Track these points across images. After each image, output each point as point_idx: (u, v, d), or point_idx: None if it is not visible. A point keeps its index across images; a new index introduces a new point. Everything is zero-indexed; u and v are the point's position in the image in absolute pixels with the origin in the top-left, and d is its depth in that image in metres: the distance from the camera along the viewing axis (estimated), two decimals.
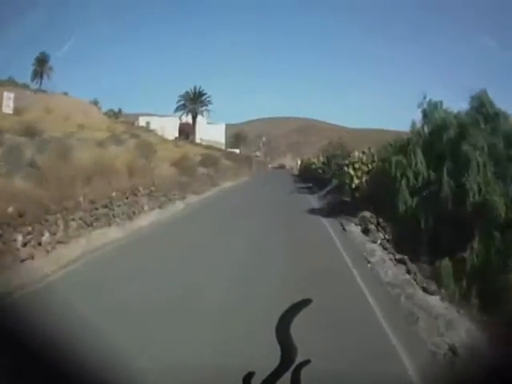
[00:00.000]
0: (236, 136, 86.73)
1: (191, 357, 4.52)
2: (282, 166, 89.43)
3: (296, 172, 62.78)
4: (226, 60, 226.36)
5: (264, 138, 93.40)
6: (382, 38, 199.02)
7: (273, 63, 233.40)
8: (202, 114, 53.75)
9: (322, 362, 1.96)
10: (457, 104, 21.26)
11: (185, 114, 52.66)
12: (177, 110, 52.76)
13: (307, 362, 1.29)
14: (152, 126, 44.80)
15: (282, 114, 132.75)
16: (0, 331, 1.54)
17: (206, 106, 53.67)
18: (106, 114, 45.50)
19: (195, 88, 53.67)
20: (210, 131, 54.93)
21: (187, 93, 53.24)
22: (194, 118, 52.66)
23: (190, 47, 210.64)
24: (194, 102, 52.96)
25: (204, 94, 53.80)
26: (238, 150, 62.51)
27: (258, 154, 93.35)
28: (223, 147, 54.55)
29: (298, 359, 1.25)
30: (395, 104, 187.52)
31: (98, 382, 1.37)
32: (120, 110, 54.96)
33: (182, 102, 52.90)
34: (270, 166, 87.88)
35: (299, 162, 74.43)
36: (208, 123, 57.50)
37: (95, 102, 46.01)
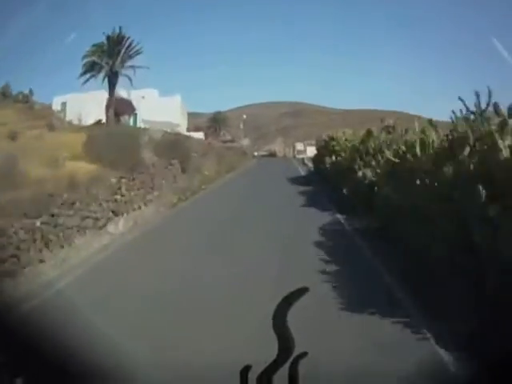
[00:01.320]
0: (213, 119, 77.57)
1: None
2: (272, 154, 74.12)
3: (302, 168, 39.63)
4: (210, 47, 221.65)
5: (245, 116, 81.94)
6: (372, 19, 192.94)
7: (259, 48, 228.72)
8: (130, 80, 30.34)
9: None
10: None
11: (102, 82, 29.73)
12: (84, 73, 29.14)
13: (304, 354, 1.28)
14: (70, 108, 32.19)
15: (271, 98, 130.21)
16: None
17: (131, 57, 29.66)
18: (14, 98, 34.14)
19: (114, 32, 28.90)
20: (161, 108, 39.37)
21: (100, 45, 29.36)
22: (113, 85, 29.76)
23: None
24: (113, 54, 28.86)
25: (126, 39, 29.56)
26: (199, 135, 46.80)
27: (245, 142, 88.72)
28: (181, 129, 41.25)
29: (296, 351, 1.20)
30: (378, 84, 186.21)
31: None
32: (31, 92, 36.10)
33: (91, 59, 29.14)
34: (255, 153, 72.79)
35: (306, 148, 63.76)
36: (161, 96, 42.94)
37: (5, 87, 34.15)
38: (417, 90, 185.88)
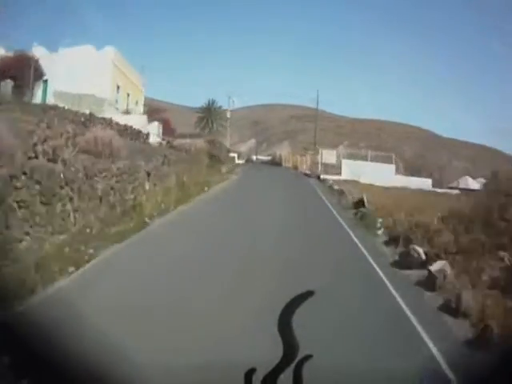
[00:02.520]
0: (206, 110, 64.97)
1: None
2: (275, 161, 55.96)
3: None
4: (220, 44, 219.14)
5: (234, 100, 68.31)
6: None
7: (273, 48, 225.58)
8: None
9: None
10: None
11: None
12: None
13: (309, 356, 1.30)
14: None
15: (278, 100, 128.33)
16: None
17: None
18: None
19: None
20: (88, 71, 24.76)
21: None
22: None
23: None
24: None
25: None
26: (153, 128, 31.54)
27: (250, 144, 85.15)
28: (119, 111, 27.89)
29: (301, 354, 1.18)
30: (392, 95, 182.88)
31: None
32: None
33: None
34: (254, 157, 65.65)
35: (340, 162, 40.28)
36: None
37: None
38: (425, 105, 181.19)
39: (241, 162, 54.02)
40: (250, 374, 1.28)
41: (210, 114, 64.27)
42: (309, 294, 1.27)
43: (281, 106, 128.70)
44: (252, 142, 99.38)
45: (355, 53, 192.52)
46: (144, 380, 2.73)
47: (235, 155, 54.44)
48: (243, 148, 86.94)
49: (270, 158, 62.84)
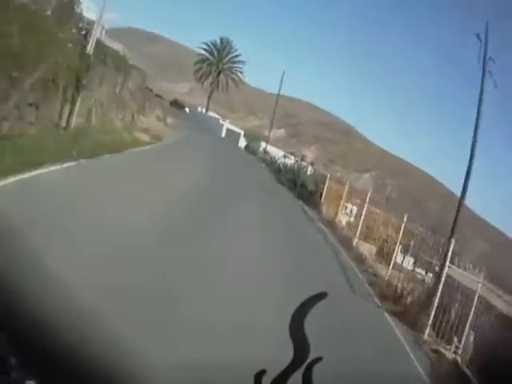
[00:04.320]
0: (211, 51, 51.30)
1: None
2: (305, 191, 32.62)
3: None
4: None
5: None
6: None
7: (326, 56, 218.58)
8: None
9: None
10: None
11: None
12: None
13: (319, 359, 1.28)
14: None
15: (312, 100, 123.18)
16: None
17: None
18: None
19: None
20: None
21: None
22: None
23: None
24: None
25: None
26: None
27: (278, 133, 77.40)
28: None
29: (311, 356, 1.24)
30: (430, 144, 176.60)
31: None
32: None
33: None
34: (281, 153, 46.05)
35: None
36: None
37: None
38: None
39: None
40: (259, 376, 1.23)
41: (219, 59, 50.33)
42: (322, 295, 1.19)
43: (315, 107, 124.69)
44: (281, 131, 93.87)
45: (398, 87, 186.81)
46: (149, 378, 1.85)
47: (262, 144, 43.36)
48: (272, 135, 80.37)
49: (295, 160, 34.55)
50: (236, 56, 54.10)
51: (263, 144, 41.31)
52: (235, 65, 55.04)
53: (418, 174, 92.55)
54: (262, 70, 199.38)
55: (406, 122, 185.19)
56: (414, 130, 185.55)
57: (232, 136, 43.96)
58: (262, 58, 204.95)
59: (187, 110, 57.33)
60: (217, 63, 52.06)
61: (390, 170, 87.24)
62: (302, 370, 1.23)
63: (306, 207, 19.46)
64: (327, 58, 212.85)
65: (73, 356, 1.22)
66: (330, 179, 21.23)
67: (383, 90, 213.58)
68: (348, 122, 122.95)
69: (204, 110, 53.83)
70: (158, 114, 23.71)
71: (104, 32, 39.78)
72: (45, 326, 1.24)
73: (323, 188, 20.68)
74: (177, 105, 55.81)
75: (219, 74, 52.67)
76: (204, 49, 54.42)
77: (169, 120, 28.03)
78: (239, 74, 54.98)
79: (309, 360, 1.24)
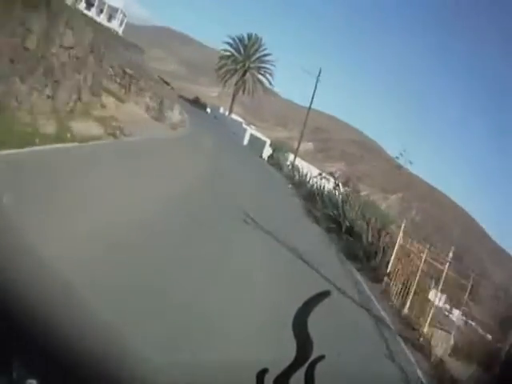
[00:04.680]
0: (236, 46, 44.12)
1: None
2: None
3: None
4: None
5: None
6: None
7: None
8: None
9: None
10: None
11: None
12: None
13: (321, 357, 1.25)
14: None
15: (344, 117, 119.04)
16: None
17: None
18: None
19: None
20: None
21: None
22: None
23: None
24: None
25: None
26: None
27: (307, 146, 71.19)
28: None
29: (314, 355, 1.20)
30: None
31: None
32: None
33: None
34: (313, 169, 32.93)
35: None
36: None
37: None
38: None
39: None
40: (262, 375, 1.21)
41: (246, 56, 42.04)
42: (326, 294, 1.15)
43: (345, 124, 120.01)
44: (310, 145, 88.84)
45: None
46: (149, 378, 1.91)
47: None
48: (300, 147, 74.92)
49: (335, 184, 25.69)
50: (265, 55, 46.00)
51: (291, 156, 33.03)
52: (264, 64, 46.84)
53: (442, 198, 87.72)
54: (294, 81, 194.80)
55: (433, 148, 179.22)
56: (442, 156, 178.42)
57: (256, 144, 35.34)
58: (295, 68, 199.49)
59: (209, 110, 50.08)
60: (243, 61, 44.27)
61: (416, 193, 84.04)
62: (304, 369, 1.19)
63: (364, 285, 10.24)
64: (362, 79, 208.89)
65: (74, 355, 1.17)
66: (403, 229, 11.16)
67: (412, 115, 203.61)
68: (376, 141, 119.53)
69: (227, 112, 46.22)
70: (147, 101, 16.25)
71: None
72: (46, 326, 1.20)
73: (386, 238, 11.51)
74: (198, 103, 49.13)
75: (245, 73, 44.82)
76: (229, 43, 46.91)
77: (179, 116, 21.25)
78: (268, 76, 46.82)
79: (311, 358, 1.19)
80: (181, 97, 46.97)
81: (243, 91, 44.86)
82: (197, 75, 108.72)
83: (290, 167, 28.41)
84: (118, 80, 14.28)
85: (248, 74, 44.42)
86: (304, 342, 1.18)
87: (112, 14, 43.03)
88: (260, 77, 45.98)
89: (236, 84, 44.12)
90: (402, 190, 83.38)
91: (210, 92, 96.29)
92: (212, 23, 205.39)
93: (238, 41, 45.59)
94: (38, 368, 1.06)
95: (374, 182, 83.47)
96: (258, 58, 45.15)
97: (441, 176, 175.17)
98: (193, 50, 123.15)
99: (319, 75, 34.33)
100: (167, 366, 3.12)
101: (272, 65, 45.29)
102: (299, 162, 31.12)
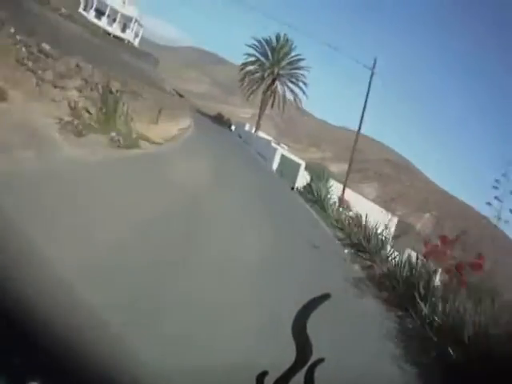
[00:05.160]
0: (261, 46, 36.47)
1: None
2: None
3: None
4: None
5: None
6: None
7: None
8: None
9: None
10: None
11: None
12: None
13: (321, 360, 1.23)
14: None
15: (377, 136, 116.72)
16: None
17: None
18: None
19: None
20: None
21: None
22: None
23: None
24: None
25: None
26: None
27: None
28: None
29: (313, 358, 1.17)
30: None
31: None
32: None
33: None
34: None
35: None
36: None
37: None
38: None
39: None
40: (261, 377, 1.20)
41: (275, 61, 33.37)
42: (325, 297, 1.14)
43: (379, 143, 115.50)
44: (345, 166, 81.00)
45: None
46: (150, 380, 1.86)
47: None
48: (334, 168, 70.71)
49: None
50: (298, 60, 38.47)
51: (334, 184, 22.87)
52: (296, 71, 38.21)
53: (475, 216, 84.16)
54: (327, 101, 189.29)
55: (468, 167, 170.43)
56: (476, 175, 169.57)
57: (287, 168, 25.61)
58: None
59: (233, 127, 41.83)
60: (271, 66, 36.80)
61: (450, 211, 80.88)
62: (304, 372, 1.17)
63: None
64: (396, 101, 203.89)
65: (76, 356, 1.15)
66: None
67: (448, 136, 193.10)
68: (410, 160, 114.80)
69: (252, 129, 38.69)
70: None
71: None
72: (48, 326, 1.17)
73: None
74: (220, 120, 42.05)
75: (274, 81, 37.35)
76: (254, 46, 39.69)
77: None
78: (301, 84, 39.09)
79: (311, 361, 1.17)
80: (204, 114, 40.55)
81: (272, 104, 37.31)
82: (229, 96, 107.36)
83: (338, 203, 19.12)
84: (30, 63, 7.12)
85: (277, 83, 37.01)
86: (303, 345, 1.16)
87: (126, 23, 39.92)
88: (291, 86, 38.41)
89: (264, 94, 36.41)
90: (435, 209, 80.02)
91: (243, 113, 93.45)
92: (245, 42, 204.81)
93: (264, 43, 38.04)
94: (38, 369, 1.02)
95: (408, 202, 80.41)
96: (288, 63, 37.52)
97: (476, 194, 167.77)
98: (226, 71, 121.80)
99: (374, 67, 25.51)
100: (167, 368, 3.00)
101: (306, 70, 37.65)
102: (350, 197, 22.00)
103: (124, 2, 38.43)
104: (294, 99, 38.36)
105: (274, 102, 37.10)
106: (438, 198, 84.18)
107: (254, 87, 36.58)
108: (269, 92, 35.84)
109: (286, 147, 34.64)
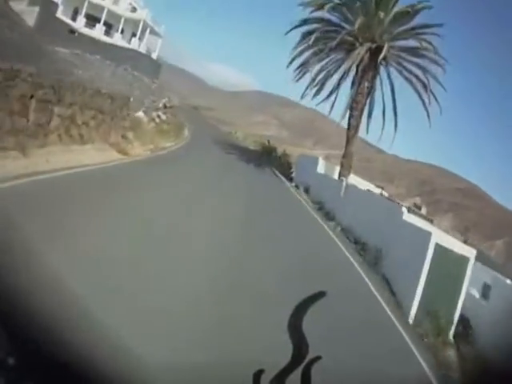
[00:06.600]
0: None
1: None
2: None
3: None
4: None
5: None
6: None
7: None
8: None
9: None
10: None
11: None
12: None
13: (318, 358, 1.22)
14: None
15: (446, 165, 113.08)
16: None
17: None
18: None
19: None
20: None
21: None
22: None
23: None
24: None
25: None
26: None
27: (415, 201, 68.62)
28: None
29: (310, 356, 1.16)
30: None
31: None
32: None
33: None
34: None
35: None
36: None
37: None
38: None
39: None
40: (258, 375, 1.20)
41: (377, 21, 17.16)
42: (320, 295, 1.14)
43: (448, 172, 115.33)
44: (417, 200, 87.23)
45: None
46: (147, 379, 1.86)
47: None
48: (406, 203, 74.76)
49: None
50: (423, 8, 20.27)
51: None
52: (422, 30, 20.24)
53: None
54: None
55: None
56: None
57: (446, 272, 10.57)
58: None
59: (293, 172, 31.20)
60: (371, 27, 19.66)
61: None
62: (300, 369, 1.15)
63: None
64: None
65: (72, 357, 1.14)
66: None
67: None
68: (481, 187, 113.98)
69: (334, 172, 24.08)
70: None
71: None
72: (44, 328, 1.16)
73: None
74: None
75: (375, 60, 19.69)
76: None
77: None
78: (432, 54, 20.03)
79: (307, 359, 1.16)
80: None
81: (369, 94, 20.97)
82: (299, 138, 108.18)
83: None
84: None
85: (382, 65, 20.37)
86: (299, 343, 1.15)
87: (134, 30, 34.82)
88: (416, 70, 20.77)
89: (353, 87, 21.15)
90: (508, 235, 78.94)
91: (315, 154, 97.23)
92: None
93: None
94: (35, 370, 1.02)
95: (481, 230, 79.64)
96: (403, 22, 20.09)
97: None
98: (294, 113, 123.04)
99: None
100: (166, 367, 3.07)
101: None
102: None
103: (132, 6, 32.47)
104: (423, 102, 21.65)
105: (370, 90, 21.17)
106: (510, 222, 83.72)
107: (332, 68, 22.02)
108: (365, 81, 20.54)
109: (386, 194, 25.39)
